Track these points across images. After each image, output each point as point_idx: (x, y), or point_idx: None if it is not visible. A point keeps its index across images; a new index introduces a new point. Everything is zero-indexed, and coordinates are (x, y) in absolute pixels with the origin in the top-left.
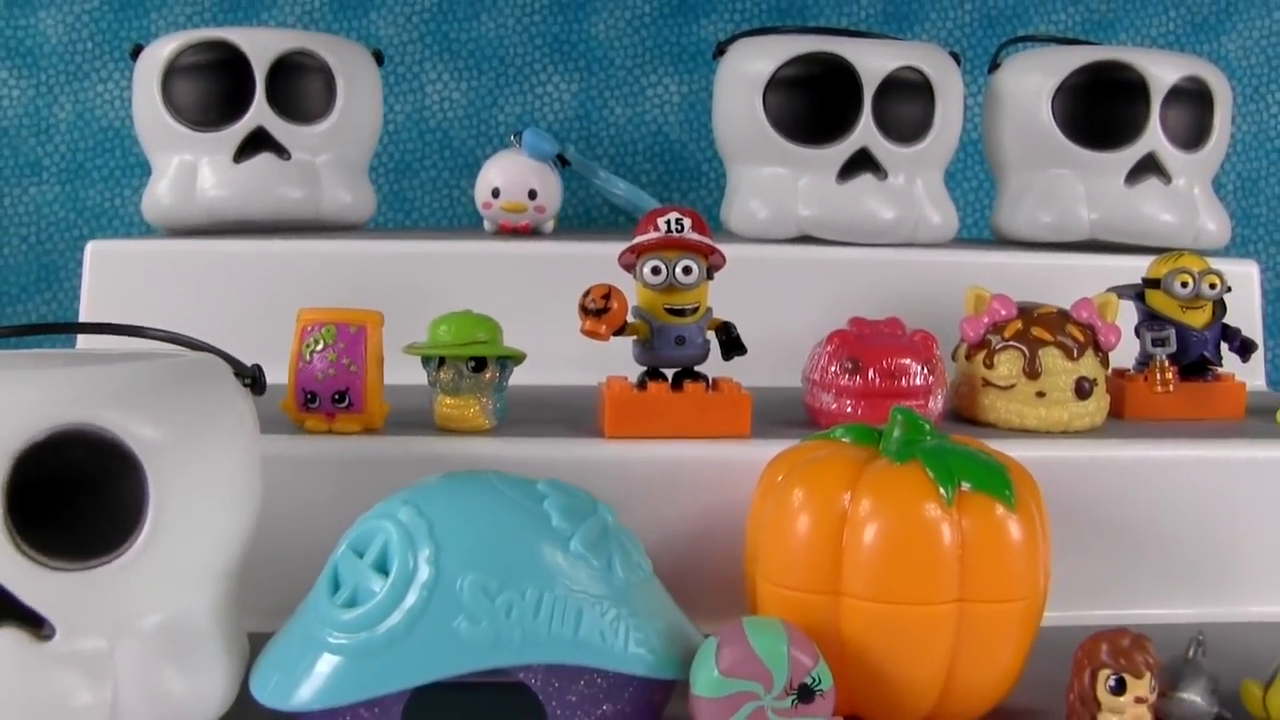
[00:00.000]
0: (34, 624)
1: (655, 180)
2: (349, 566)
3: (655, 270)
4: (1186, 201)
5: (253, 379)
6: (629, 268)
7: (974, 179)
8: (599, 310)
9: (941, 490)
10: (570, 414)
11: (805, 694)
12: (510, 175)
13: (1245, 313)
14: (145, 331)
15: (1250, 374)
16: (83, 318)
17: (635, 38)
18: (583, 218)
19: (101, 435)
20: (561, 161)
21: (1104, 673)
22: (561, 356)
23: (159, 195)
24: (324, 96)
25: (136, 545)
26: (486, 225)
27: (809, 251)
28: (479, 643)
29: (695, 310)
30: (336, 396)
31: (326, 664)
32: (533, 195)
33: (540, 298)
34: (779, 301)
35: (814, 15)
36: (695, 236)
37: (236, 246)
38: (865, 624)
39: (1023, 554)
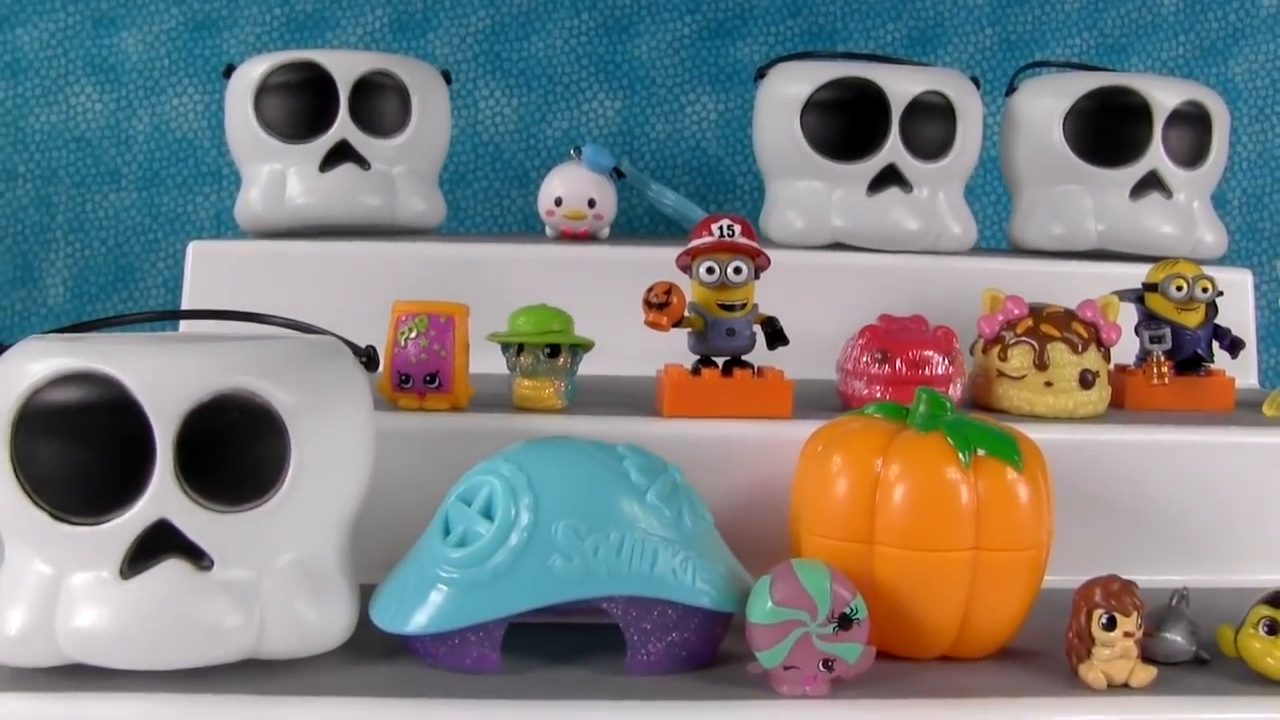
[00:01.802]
0: (196, 556)
1: (694, 193)
2: (458, 513)
3: (710, 270)
4: (1186, 215)
5: (368, 358)
6: (685, 269)
7: (993, 193)
8: (661, 304)
9: (960, 455)
10: (632, 397)
11: (845, 622)
12: (571, 186)
13: (1240, 316)
14: (267, 318)
15: (1243, 372)
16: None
17: (675, 59)
18: (633, 225)
19: (253, 400)
20: (618, 174)
21: (1097, 612)
22: (619, 348)
23: (251, 201)
24: (400, 113)
25: (279, 494)
26: (549, 231)
27: (841, 258)
28: (571, 576)
29: (744, 306)
30: (428, 378)
31: (439, 594)
32: (592, 204)
33: (598, 296)
34: (814, 302)
35: (844, 39)
36: (745, 241)
37: (321, 248)
38: (895, 568)
39: (1030, 511)
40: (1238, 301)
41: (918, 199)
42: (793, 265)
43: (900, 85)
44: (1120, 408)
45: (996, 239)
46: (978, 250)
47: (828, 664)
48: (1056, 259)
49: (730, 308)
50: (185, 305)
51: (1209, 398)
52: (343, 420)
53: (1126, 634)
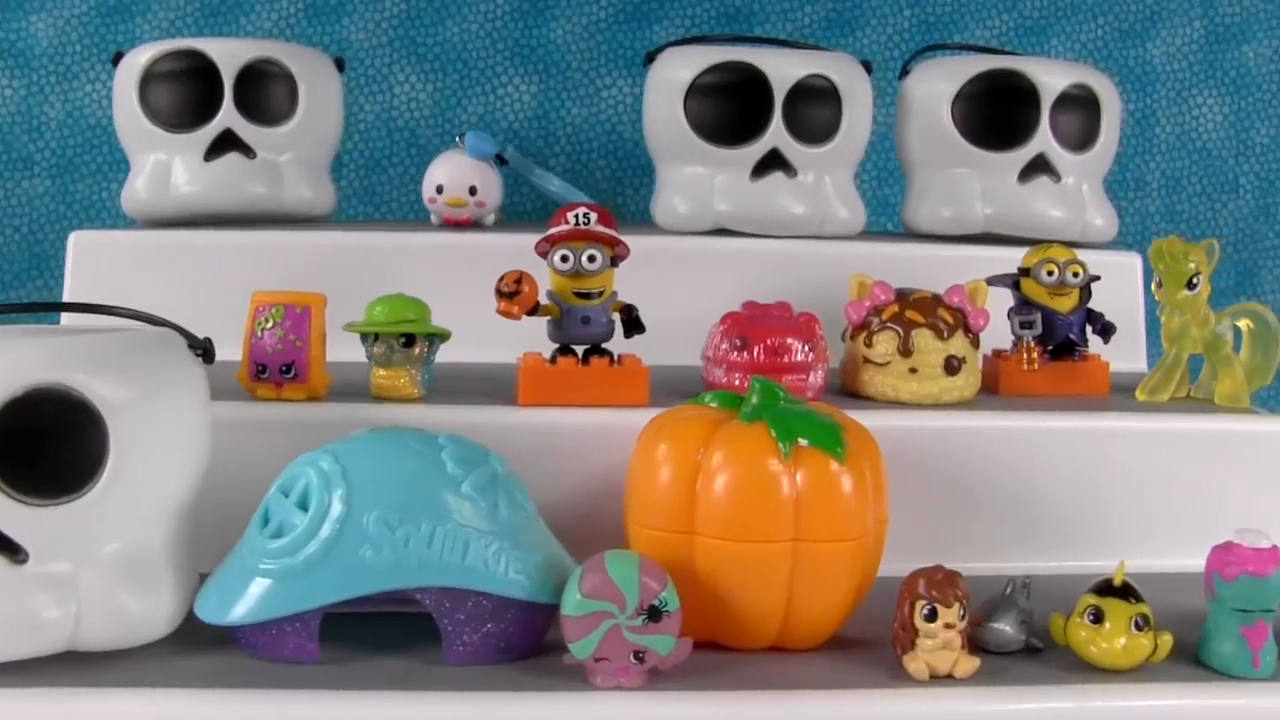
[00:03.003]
0: (11, 550)
1: (609, 176)
2: (277, 505)
3: (564, 258)
4: (1075, 198)
5: (204, 350)
6: (544, 255)
7: (902, 178)
8: (512, 293)
9: (781, 446)
10: (495, 385)
11: (654, 614)
12: (453, 173)
13: (1129, 301)
14: (112, 309)
15: (1132, 356)
16: (66, 301)
17: (591, 42)
18: (535, 212)
19: (69, 394)
20: (500, 160)
21: (920, 603)
22: (495, 336)
23: (137, 190)
24: (287, 101)
25: (98, 486)
26: (433, 219)
27: (725, 243)
28: (382, 567)
29: (601, 294)
30: (284, 368)
31: (257, 586)
32: (473, 191)
33: (476, 283)
34: (699, 288)
35: (760, 22)
36: (600, 229)
37: (206, 237)
38: (715, 559)
39: (852, 501)
40: (1127, 285)
41: (802, 183)
42: (677, 251)
43: (783, 69)
44: (995, 394)
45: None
46: (868, 235)
47: (639, 656)
48: (946, 243)
49: (586, 295)
50: (67, 297)
51: (1084, 383)
52: (170, 412)
53: (948, 625)
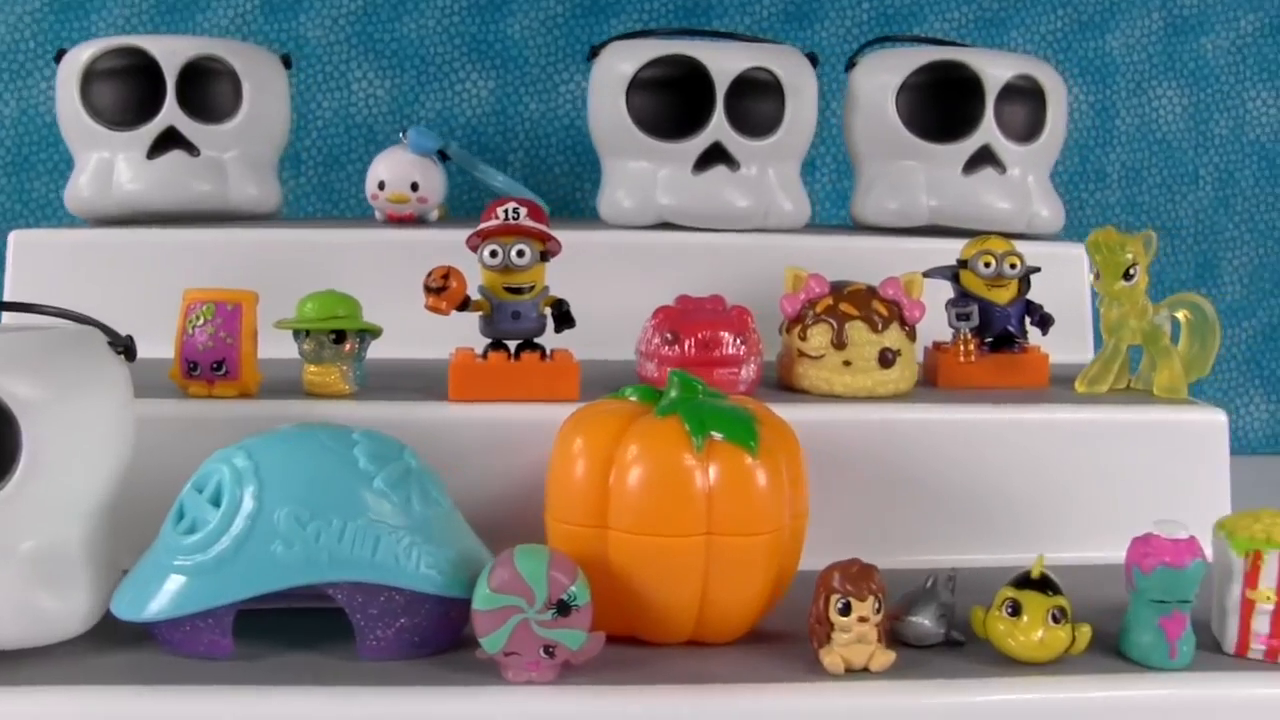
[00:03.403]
0: None
1: (567, 171)
2: (191, 501)
3: (493, 253)
4: (1021, 190)
5: (125, 347)
6: (475, 250)
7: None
8: (439, 288)
9: (693, 440)
10: (429, 381)
11: (563, 609)
12: (395, 169)
13: (1075, 292)
14: (34, 308)
15: (1079, 348)
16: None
17: (549, 37)
18: (479, 208)
19: None
20: (443, 156)
21: (834, 596)
22: (434, 332)
23: (80, 188)
24: (231, 98)
25: (11, 484)
26: (376, 215)
27: (669, 237)
28: (293, 563)
29: (531, 289)
30: (215, 365)
31: (171, 583)
32: (415, 187)
33: (417, 280)
34: (642, 282)
35: (718, 16)
36: (530, 224)
37: (148, 235)
38: (628, 554)
39: (766, 495)
40: (1074, 277)
41: (746, 177)
42: (622, 245)
43: (725, 63)
44: (935, 386)
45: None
46: (814, 228)
47: (549, 650)
48: (892, 235)
49: (517, 291)
50: (7, 296)
51: (1024, 374)
52: (87, 410)
53: (862, 619)
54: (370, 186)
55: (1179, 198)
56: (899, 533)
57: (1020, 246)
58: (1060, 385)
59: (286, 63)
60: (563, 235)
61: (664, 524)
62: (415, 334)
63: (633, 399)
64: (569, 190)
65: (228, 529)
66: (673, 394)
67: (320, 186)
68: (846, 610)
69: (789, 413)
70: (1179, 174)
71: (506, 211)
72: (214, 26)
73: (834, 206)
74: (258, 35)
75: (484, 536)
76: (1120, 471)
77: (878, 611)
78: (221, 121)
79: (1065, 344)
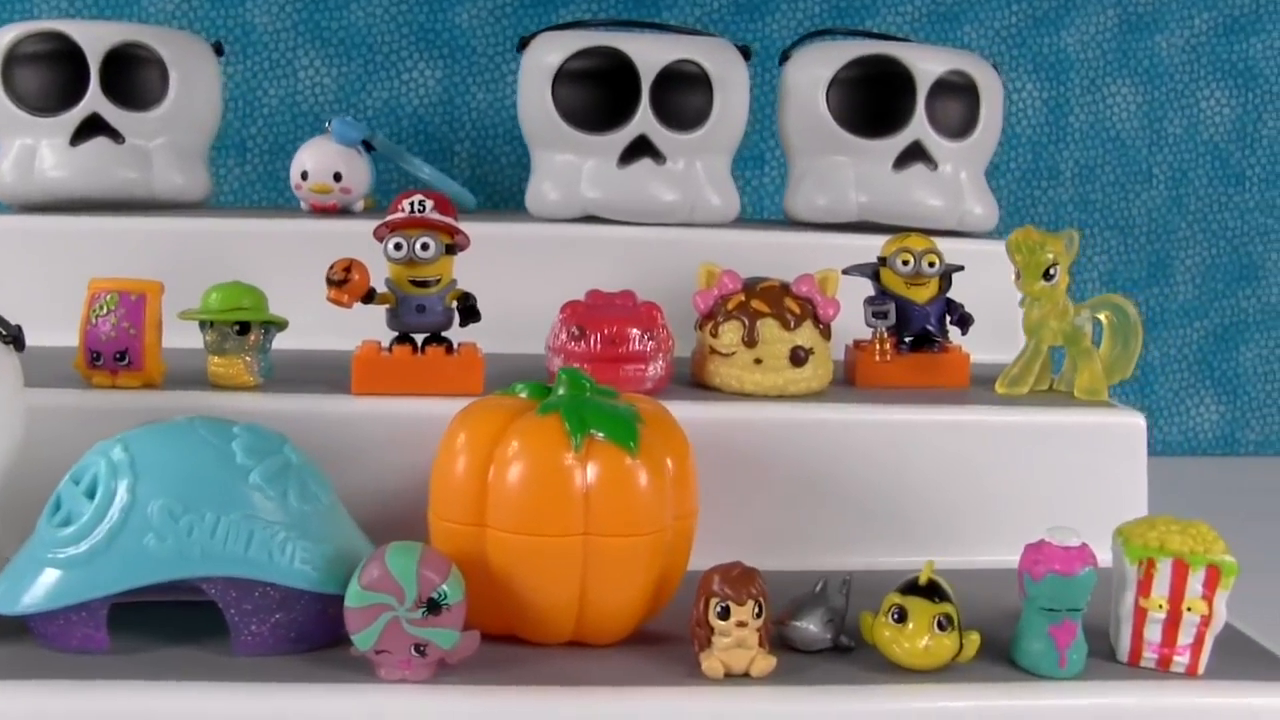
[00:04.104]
0: None
1: (514, 162)
2: (68, 493)
3: (397, 246)
4: (953, 187)
5: (13, 338)
6: (382, 242)
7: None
8: (341, 281)
9: (572, 439)
10: (338, 374)
11: (434, 607)
12: (318, 159)
13: (1008, 291)
14: None
15: (1009, 349)
16: None
17: (497, 27)
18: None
19: None
20: (368, 147)
21: (713, 600)
22: (351, 323)
23: (3, 174)
24: (158, 85)
25: None
26: (302, 205)
27: (594, 230)
28: (165, 557)
29: (437, 282)
30: (118, 355)
31: (45, 575)
32: (338, 178)
33: None
34: (567, 276)
35: (668, 8)
36: (436, 217)
37: (70, 223)
38: (506, 553)
39: (646, 496)
40: (1007, 275)
41: (672, 170)
42: (547, 238)
43: (651, 55)
44: (853, 385)
45: None
46: (743, 223)
47: (420, 649)
48: (822, 231)
49: (423, 284)
50: None
51: (944, 374)
52: None
53: (741, 623)
54: (294, 176)
55: (1132, 196)
56: (808, 535)
57: (953, 244)
58: (982, 385)
59: (218, 50)
60: (487, 228)
61: (541, 523)
62: (334, 325)
63: (523, 395)
64: (515, 181)
65: (101, 521)
66: (560, 391)
67: (266, 175)
68: (725, 614)
69: (697, 411)
70: (1132, 172)
71: (413, 204)
72: (159, 12)
73: (782, 201)
74: (203, 21)
75: (381, 532)
76: (1037, 474)
77: (758, 616)
78: (147, 109)
79: (997, 344)
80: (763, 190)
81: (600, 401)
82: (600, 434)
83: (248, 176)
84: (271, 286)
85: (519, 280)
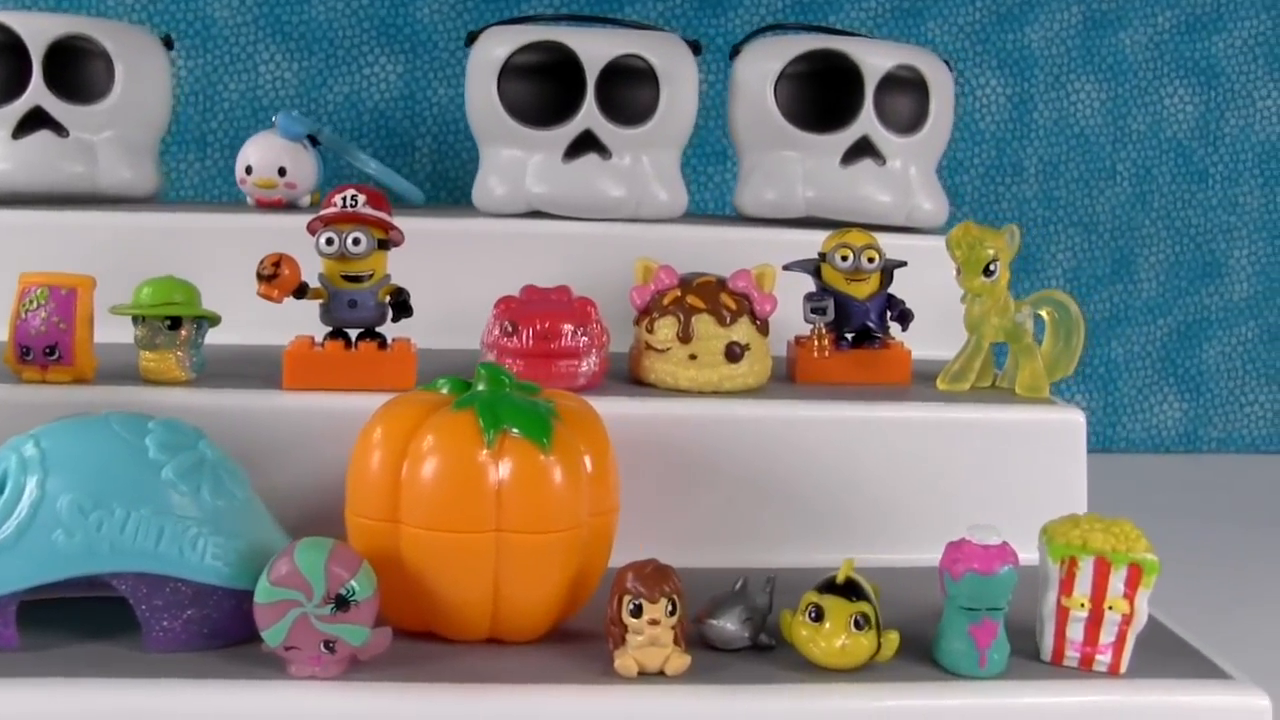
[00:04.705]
0: None
1: (475, 157)
2: None
3: (329, 241)
4: (902, 182)
5: None
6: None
7: None
8: (269, 276)
9: (485, 435)
10: (274, 369)
11: (342, 603)
12: (262, 154)
13: (957, 287)
14: None
15: (957, 346)
16: None
17: (459, 22)
18: None
19: None
20: (314, 141)
21: (627, 598)
22: (291, 317)
23: None
24: (104, 78)
25: None
26: (248, 200)
27: (539, 225)
28: (74, 552)
29: (370, 277)
30: (48, 350)
31: None
32: (282, 172)
33: None
34: (511, 272)
35: (630, 2)
36: (368, 211)
37: (13, 217)
38: (420, 549)
39: (561, 492)
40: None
41: (618, 165)
42: (492, 234)
43: (596, 49)
44: (794, 381)
45: None
46: (691, 217)
47: (329, 645)
48: (771, 226)
49: (355, 279)
50: None
51: (885, 370)
52: None
53: (654, 621)
54: (238, 171)
55: (1096, 193)
56: (743, 532)
57: (902, 240)
58: (924, 382)
59: (168, 44)
60: (433, 223)
61: (453, 519)
62: (274, 320)
63: (444, 391)
64: (476, 176)
65: (9, 517)
66: (479, 387)
67: (226, 169)
68: (638, 612)
69: (630, 407)
70: (1097, 169)
71: (345, 199)
72: (120, 4)
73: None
74: (163, 14)
75: (310, 529)
76: (976, 471)
77: (672, 614)
78: (92, 102)
79: (944, 340)
80: (725, 186)
81: (516, 398)
82: (514, 430)
83: (208, 171)
84: (214, 281)
85: (464, 275)
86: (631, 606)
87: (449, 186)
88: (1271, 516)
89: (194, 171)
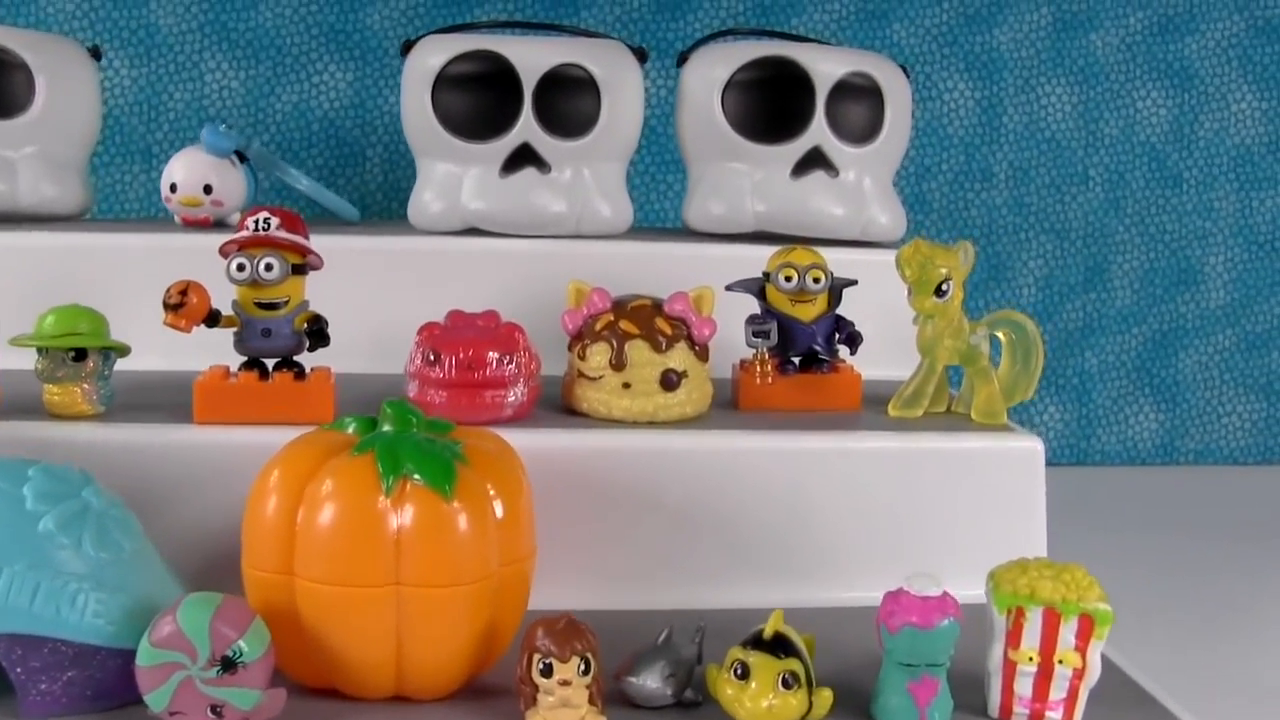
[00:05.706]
0: None
1: None
2: None
3: (240, 267)
4: (855, 194)
5: None
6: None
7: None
8: (176, 305)
9: (383, 481)
10: (188, 400)
11: (228, 665)
12: (188, 171)
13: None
14: None
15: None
16: None
17: (410, 28)
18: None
19: None
20: (241, 157)
21: (536, 656)
22: (214, 344)
23: None
24: (24, 92)
25: None
26: (175, 218)
27: (477, 243)
28: None
29: (285, 304)
30: None
31: None
32: (208, 190)
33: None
34: (447, 292)
35: (586, 6)
36: (282, 235)
37: None
38: (315, 604)
39: (466, 542)
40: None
41: (558, 180)
42: (427, 252)
43: (533, 59)
44: (738, 409)
45: None
46: (637, 233)
47: (216, 710)
48: (719, 242)
49: (269, 306)
50: None
51: (833, 396)
52: None
53: (564, 681)
54: (163, 188)
55: (1068, 199)
56: (680, 571)
57: (856, 254)
58: (876, 406)
59: (96, 55)
60: (366, 241)
61: (350, 573)
62: (195, 346)
63: (350, 430)
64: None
65: None
66: (384, 427)
67: None
68: (549, 671)
69: (560, 439)
70: (1068, 174)
71: (257, 221)
72: (59, 13)
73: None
74: (104, 23)
75: (220, 576)
76: (929, 502)
77: (585, 673)
78: (11, 116)
79: (900, 361)
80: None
81: (420, 439)
82: (415, 476)
83: (153, 183)
84: (135, 304)
85: (397, 296)
86: (541, 666)
87: (401, 198)
88: (1250, 529)
89: (139, 184)
